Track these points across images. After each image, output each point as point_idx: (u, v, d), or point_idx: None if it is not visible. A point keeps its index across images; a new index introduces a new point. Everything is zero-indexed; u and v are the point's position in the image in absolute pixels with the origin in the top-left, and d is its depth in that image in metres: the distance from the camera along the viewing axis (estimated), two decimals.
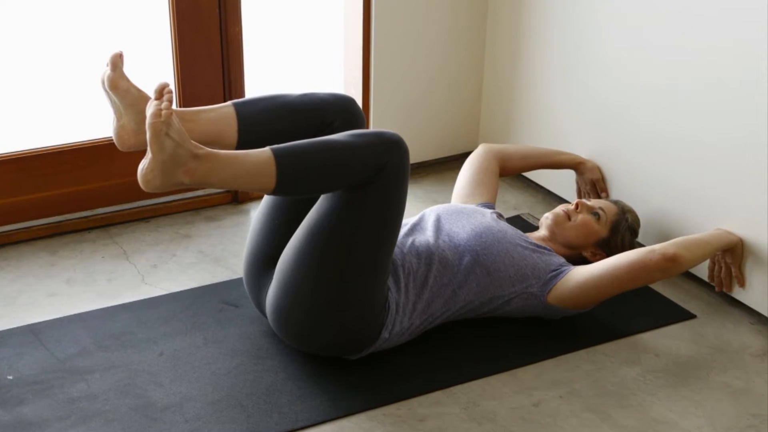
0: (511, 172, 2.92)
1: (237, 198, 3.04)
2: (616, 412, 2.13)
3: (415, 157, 2.83)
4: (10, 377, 2.23)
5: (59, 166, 2.89)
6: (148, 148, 2.00)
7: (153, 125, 1.97)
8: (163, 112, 1.96)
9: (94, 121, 3.02)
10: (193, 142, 2.00)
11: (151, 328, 2.41)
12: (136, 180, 2.12)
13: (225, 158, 2.03)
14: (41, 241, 2.84)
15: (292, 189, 2.12)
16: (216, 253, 2.78)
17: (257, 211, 2.42)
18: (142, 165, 2.02)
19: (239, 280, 2.54)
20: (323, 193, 2.18)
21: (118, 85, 2.19)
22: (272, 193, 2.07)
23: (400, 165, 2.14)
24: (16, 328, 2.40)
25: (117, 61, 2.18)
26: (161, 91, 2.02)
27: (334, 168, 2.10)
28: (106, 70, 2.18)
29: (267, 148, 2.06)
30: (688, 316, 2.50)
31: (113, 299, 2.55)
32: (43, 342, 2.35)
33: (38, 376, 2.22)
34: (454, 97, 3.36)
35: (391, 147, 2.13)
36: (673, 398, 2.18)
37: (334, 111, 2.30)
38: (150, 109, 1.98)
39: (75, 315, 2.46)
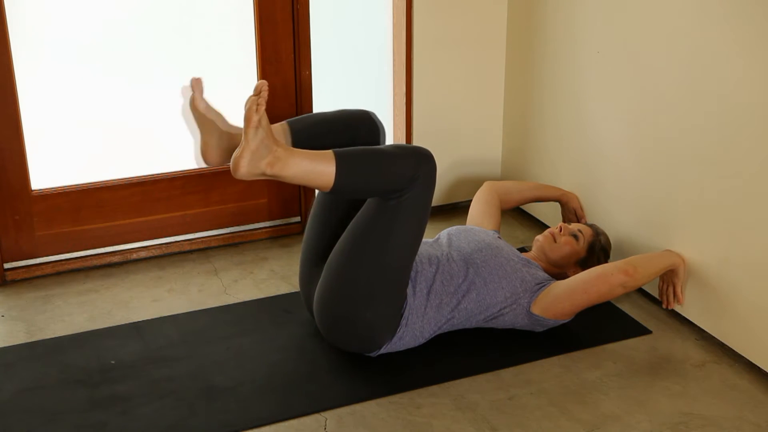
0: (512, 204, 3.14)
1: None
2: (573, 407, 2.39)
3: (449, 199, 3.21)
4: (113, 362, 2.56)
5: (172, 191, 3.14)
6: (243, 137, 2.17)
7: (250, 116, 2.15)
8: (260, 107, 2.15)
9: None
10: (274, 137, 2.21)
11: (224, 328, 2.72)
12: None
13: (299, 153, 2.22)
14: (154, 259, 3.21)
15: (346, 186, 2.26)
16: (284, 272, 3.10)
17: (311, 213, 2.62)
18: (236, 152, 2.18)
19: (296, 293, 2.85)
20: (368, 194, 2.34)
21: (198, 106, 2.36)
22: (331, 187, 2.23)
23: (430, 176, 2.34)
24: (123, 325, 2.74)
25: (195, 85, 2.35)
26: (260, 90, 2.18)
27: (379, 171, 2.28)
28: (190, 94, 2.38)
29: (330, 151, 2.25)
30: (645, 331, 2.74)
31: (200, 305, 2.87)
32: (142, 336, 2.67)
33: (134, 362, 2.54)
34: (480, 150, 3.59)
35: (424, 160, 2.32)
36: (622, 398, 2.43)
37: (360, 120, 2.53)
38: (248, 103, 2.16)
39: (169, 316, 2.79)
